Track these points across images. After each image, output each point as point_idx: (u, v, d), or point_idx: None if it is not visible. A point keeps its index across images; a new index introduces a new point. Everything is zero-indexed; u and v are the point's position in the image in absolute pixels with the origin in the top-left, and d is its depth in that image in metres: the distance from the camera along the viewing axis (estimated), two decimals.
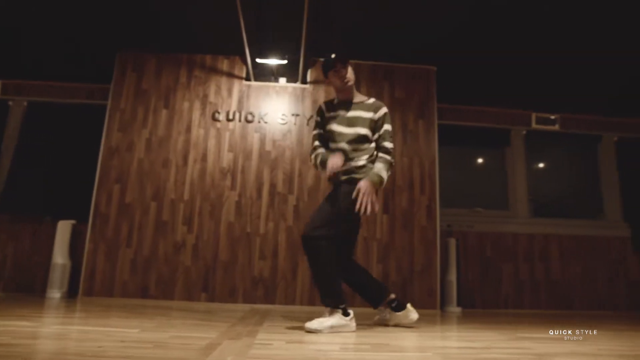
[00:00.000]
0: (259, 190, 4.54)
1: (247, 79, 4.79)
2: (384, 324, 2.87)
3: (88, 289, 4.26)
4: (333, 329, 2.40)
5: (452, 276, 4.67)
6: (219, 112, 4.69)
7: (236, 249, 4.41)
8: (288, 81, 4.83)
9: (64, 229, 4.42)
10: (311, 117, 4.71)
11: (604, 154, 5.73)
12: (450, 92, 5.13)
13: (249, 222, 4.47)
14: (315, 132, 2.90)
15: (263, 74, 4.82)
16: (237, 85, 4.78)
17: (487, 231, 5.22)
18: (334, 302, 2.49)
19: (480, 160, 5.88)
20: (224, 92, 4.76)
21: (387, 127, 2.74)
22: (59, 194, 4.75)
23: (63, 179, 4.79)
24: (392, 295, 2.84)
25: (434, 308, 4.42)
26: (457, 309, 4.56)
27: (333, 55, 2.74)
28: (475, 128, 5.58)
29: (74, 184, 4.76)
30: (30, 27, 4.61)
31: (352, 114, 2.77)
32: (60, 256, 4.33)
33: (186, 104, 4.71)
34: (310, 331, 2.36)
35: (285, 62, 4.69)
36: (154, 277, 4.31)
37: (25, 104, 5.01)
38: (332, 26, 4.37)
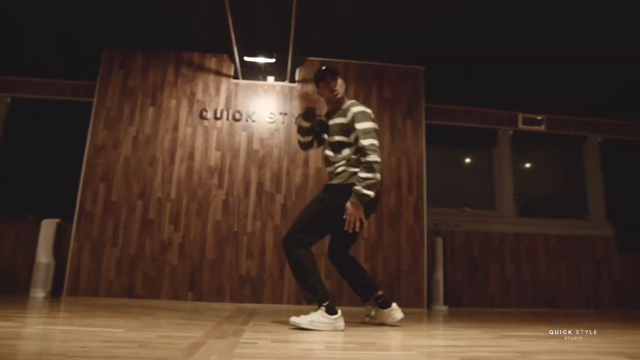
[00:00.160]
0: (247, 189, 4.52)
1: (235, 77, 4.77)
2: (370, 322, 2.88)
3: (73, 288, 4.21)
4: (312, 324, 2.43)
5: (439, 275, 4.69)
6: (206, 110, 4.66)
7: (223, 247, 4.39)
8: (276, 80, 4.82)
9: (48, 228, 4.37)
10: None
11: (588, 155, 5.80)
12: (438, 92, 5.15)
13: (236, 221, 4.45)
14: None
15: (251, 73, 4.80)
16: (225, 84, 4.76)
17: (474, 230, 5.26)
18: (315, 298, 2.53)
19: (467, 160, 5.92)
20: (212, 90, 4.73)
21: (359, 125, 2.66)
22: (43, 192, 4.69)
23: (47, 177, 4.73)
24: (380, 292, 2.86)
25: (421, 307, 4.44)
26: (444, 308, 4.58)
27: (324, 67, 2.85)
28: (462, 128, 5.62)
29: (59, 182, 4.71)
30: (14, 22, 4.54)
31: (332, 121, 2.83)
32: (44, 255, 4.27)
33: (173, 102, 4.68)
34: (293, 325, 2.44)
35: (273, 60, 4.68)
36: (140, 276, 4.28)
37: (8, 100, 4.95)
38: (320, 25, 4.36)
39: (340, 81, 2.83)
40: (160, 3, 4.21)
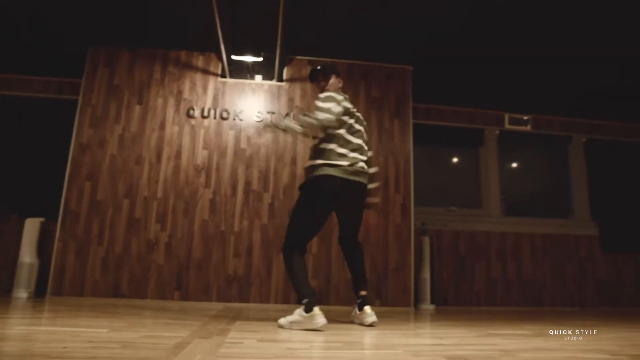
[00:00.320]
0: (234, 188, 4.51)
1: (223, 75, 4.75)
2: (355, 321, 2.87)
3: (57, 288, 4.16)
4: (292, 324, 2.48)
5: (426, 274, 4.72)
6: (193, 109, 4.64)
7: (210, 247, 4.37)
8: (264, 79, 4.81)
9: (31, 227, 4.32)
10: (287, 114, 4.70)
11: (573, 155, 5.87)
12: (425, 92, 5.18)
13: (223, 220, 4.43)
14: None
15: (239, 71, 4.78)
16: (213, 82, 4.74)
17: (460, 230, 5.29)
18: (298, 297, 2.60)
19: (454, 160, 5.96)
20: (199, 89, 4.71)
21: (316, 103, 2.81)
22: (26, 190, 4.63)
23: (31, 175, 4.67)
24: (363, 292, 2.86)
25: (408, 305, 4.46)
26: (431, 307, 4.61)
27: (318, 67, 3.04)
28: (449, 128, 5.65)
29: (43, 180, 4.65)
30: None
31: None
32: (27, 255, 4.22)
33: (160, 100, 4.64)
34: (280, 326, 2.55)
35: (261, 59, 4.67)
36: (126, 276, 4.24)
37: None
38: (308, 24, 4.35)
39: (332, 80, 2.98)
40: (147, 1, 4.17)
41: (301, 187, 2.83)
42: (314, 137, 2.87)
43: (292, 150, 4.65)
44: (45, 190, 4.60)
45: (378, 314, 2.84)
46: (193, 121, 4.62)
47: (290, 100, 4.77)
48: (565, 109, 5.70)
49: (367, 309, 2.78)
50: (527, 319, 3.64)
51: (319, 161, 2.73)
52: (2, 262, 4.46)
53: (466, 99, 5.54)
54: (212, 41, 4.32)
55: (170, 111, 4.63)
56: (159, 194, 4.43)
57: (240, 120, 4.67)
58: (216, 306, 3.97)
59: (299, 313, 2.47)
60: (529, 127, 5.75)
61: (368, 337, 2.26)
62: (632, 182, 5.79)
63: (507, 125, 5.71)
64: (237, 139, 4.63)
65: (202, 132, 4.60)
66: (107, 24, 4.44)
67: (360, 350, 1.84)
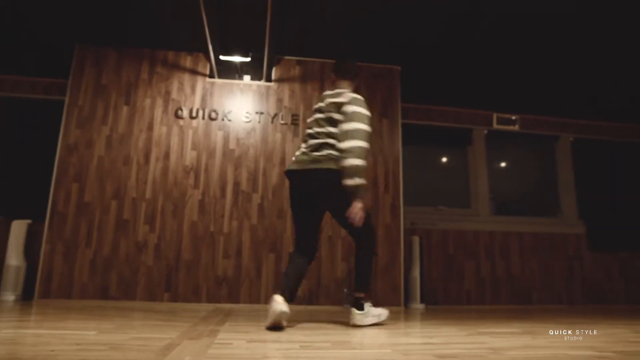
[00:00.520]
0: (223, 189, 4.49)
1: (211, 76, 4.73)
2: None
3: (44, 291, 4.12)
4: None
5: (416, 273, 4.73)
6: (181, 110, 4.61)
7: (199, 248, 4.35)
8: (252, 79, 4.80)
9: (18, 229, 4.26)
10: (275, 115, 4.69)
11: (560, 154, 5.93)
12: (414, 91, 5.20)
13: (212, 221, 4.41)
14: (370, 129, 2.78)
15: (227, 71, 4.76)
16: (201, 82, 4.72)
17: (450, 229, 5.32)
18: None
19: (443, 159, 5.99)
20: (187, 89, 4.68)
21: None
22: (13, 192, 4.58)
23: (18, 177, 4.62)
24: (354, 293, 2.83)
25: (398, 305, 4.48)
26: (421, 306, 4.62)
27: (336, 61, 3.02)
28: (438, 127, 5.68)
29: (30, 181, 4.60)
30: None
31: None
32: (14, 257, 4.17)
33: (148, 101, 4.61)
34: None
35: (249, 59, 4.66)
36: (114, 278, 4.21)
37: None
38: (297, 24, 4.35)
39: (347, 82, 2.97)
40: (134, 0, 4.14)
41: None
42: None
43: (281, 150, 4.64)
44: (32, 191, 4.55)
45: None
46: (181, 122, 4.60)
47: (279, 100, 4.76)
48: (552, 109, 5.76)
49: (354, 309, 2.76)
50: (516, 317, 3.67)
51: None
52: None
53: (455, 99, 5.57)
54: (200, 41, 4.30)
55: (158, 112, 4.60)
56: (148, 195, 4.40)
57: (229, 120, 4.65)
58: (206, 307, 3.95)
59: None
60: (517, 127, 5.79)
61: (358, 336, 2.27)
62: (619, 182, 5.86)
63: (495, 125, 5.76)
64: (226, 140, 4.61)
65: (190, 132, 4.58)
66: (93, 22, 4.40)
67: (350, 350, 1.84)
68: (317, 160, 2.69)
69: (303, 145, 2.85)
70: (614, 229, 5.64)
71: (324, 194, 2.72)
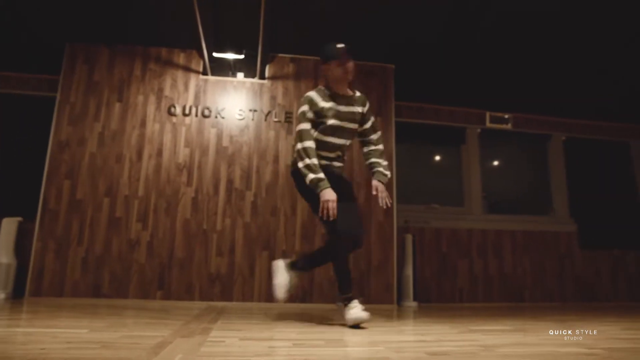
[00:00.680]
0: (216, 187, 4.48)
1: (204, 73, 4.71)
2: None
3: (36, 289, 4.09)
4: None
5: (409, 271, 4.75)
6: (174, 107, 4.59)
7: (192, 245, 4.33)
8: (246, 76, 4.78)
9: (9, 227, 4.23)
10: (269, 112, 4.68)
11: (553, 153, 5.96)
12: (408, 90, 5.20)
13: (205, 219, 4.40)
14: (305, 127, 2.67)
15: (220, 69, 4.74)
16: (194, 80, 4.70)
17: (443, 227, 5.34)
18: None
19: (437, 158, 6.00)
20: (180, 86, 4.66)
21: (373, 117, 2.99)
22: (3, 189, 4.54)
23: (8, 174, 4.58)
24: (346, 295, 2.66)
25: (391, 303, 4.49)
26: (414, 304, 4.64)
27: (341, 45, 2.82)
28: (432, 126, 5.69)
29: (21, 179, 4.56)
30: None
31: (351, 109, 2.84)
32: (4, 255, 4.14)
33: (141, 98, 4.59)
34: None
35: (242, 57, 4.64)
36: (107, 276, 4.18)
37: None
38: (290, 21, 4.34)
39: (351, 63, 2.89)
40: None
41: None
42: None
43: (275, 148, 4.63)
44: (23, 189, 4.51)
45: None
46: (174, 119, 4.58)
47: (273, 98, 4.75)
48: (545, 108, 5.79)
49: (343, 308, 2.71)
50: (508, 314, 3.69)
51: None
52: None
53: (448, 98, 5.58)
54: (193, 38, 4.28)
55: (151, 109, 4.58)
56: (140, 192, 4.38)
57: (222, 118, 4.64)
58: (199, 305, 3.94)
59: None
60: (509, 126, 5.82)
61: (350, 334, 2.27)
62: (610, 180, 5.91)
63: (488, 124, 5.77)
64: (219, 137, 4.60)
65: (183, 130, 4.56)
66: (85, 19, 4.37)
67: (342, 348, 1.84)
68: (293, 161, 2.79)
69: None
70: (604, 228, 5.68)
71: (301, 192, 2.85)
